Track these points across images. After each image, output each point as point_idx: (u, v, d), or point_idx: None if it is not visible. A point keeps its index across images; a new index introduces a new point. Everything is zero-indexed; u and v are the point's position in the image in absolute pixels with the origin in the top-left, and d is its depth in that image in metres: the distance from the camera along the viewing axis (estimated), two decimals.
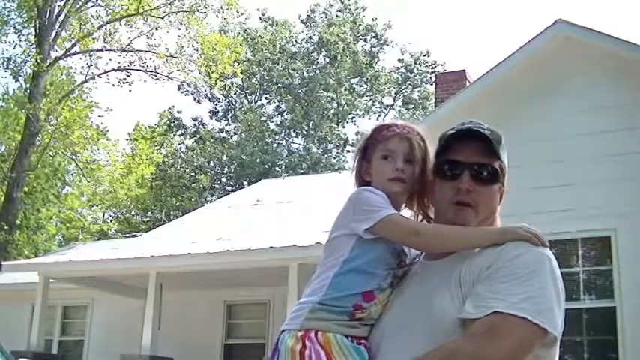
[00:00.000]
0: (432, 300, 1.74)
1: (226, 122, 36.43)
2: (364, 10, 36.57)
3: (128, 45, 23.54)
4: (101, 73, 23.42)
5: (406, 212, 2.01)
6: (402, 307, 1.82)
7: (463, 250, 1.80)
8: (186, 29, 23.74)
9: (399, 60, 36.34)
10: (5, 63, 23.61)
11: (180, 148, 35.17)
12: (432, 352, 1.65)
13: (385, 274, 1.87)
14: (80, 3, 23.08)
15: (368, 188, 1.95)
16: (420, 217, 2.00)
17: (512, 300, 1.62)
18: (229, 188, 32.68)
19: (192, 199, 32.35)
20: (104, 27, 23.48)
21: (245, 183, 31.49)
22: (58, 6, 22.84)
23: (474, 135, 1.87)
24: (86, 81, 23.73)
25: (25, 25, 23.52)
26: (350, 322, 1.82)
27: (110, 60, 28.72)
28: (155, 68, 23.51)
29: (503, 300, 1.63)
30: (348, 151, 34.13)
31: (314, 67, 35.95)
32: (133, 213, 34.09)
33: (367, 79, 36.37)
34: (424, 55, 35.76)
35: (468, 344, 1.63)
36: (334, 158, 34.99)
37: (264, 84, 36.13)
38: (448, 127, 1.97)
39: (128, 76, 23.53)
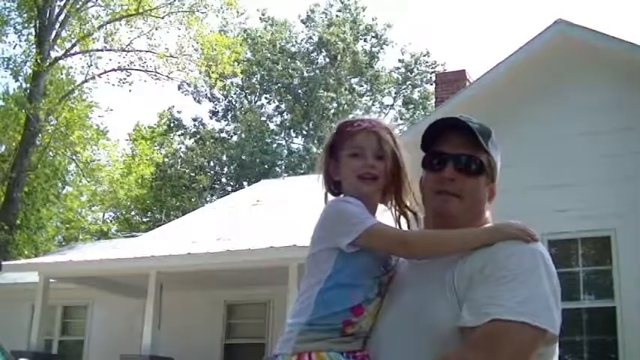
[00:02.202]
0: (428, 307, 1.72)
1: (226, 122, 36.43)
2: (364, 10, 36.57)
3: (128, 45, 23.55)
4: (101, 73, 23.43)
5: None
6: (398, 315, 1.79)
7: (453, 254, 1.77)
8: (186, 29, 23.74)
9: (399, 60, 36.37)
10: (5, 63, 23.65)
11: (180, 148, 35.15)
12: None
13: (371, 285, 1.82)
14: (80, 3, 23.08)
15: (343, 198, 1.89)
16: (397, 214, 1.95)
17: (510, 305, 1.61)
18: (229, 188, 32.67)
19: (192, 199, 32.35)
20: (104, 27, 23.47)
21: (245, 183, 31.48)
22: (58, 6, 22.85)
23: (459, 126, 1.86)
24: (86, 81, 23.74)
25: (25, 25, 23.52)
26: (341, 338, 1.78)
27: (110, 60, 28.76)
28: (155, 68, 23.52)
29: (500, 305, 1.61)
30: None
31: (314, 67, 35.94)
32: (133, 213, 34.08)
33: (367, 79, 36.36)
34: (424, 55, 35.76)
35: (471, 354, 1.61)
36: None
37: (264, 84, 36.12)
38: None
39: (128, 76, 23.54)
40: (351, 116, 2.11)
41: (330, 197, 1.99)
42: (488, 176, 1.88)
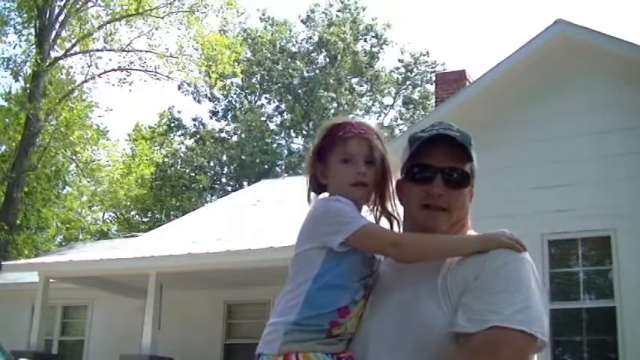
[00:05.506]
0: (418, 310, 1.73)
1: (226, 122, 36.44)
2: (364, 10, 36.58)
3: (128, 45, 23.54)
4: (101, 73, 23.42)
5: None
6: (386, 317, 1.78)
7: (444, 259, 1.78)
8: (186, 29, 23.74)
9: (399, 60, 36.37)
10: (5, 63, 23.61)
11: (180, 148, 35.17)
12: None
13: (358, 286, 1.81)
14: (80, 3, 23.07)
15: (335, 197, 1.88)
16: (378, 215, 1.95)
17: (507, 312, 1.64)
18: (229, 188, 32.68)
19: (192, 199, 32.35)
20: (104, 27, 23.47)
21: (245, 183, 31.49)
22: (58, 6, 22.84)
23: (446, 138, 1.84)
24: (86, 81, 23.72)
25: (25, 25, 23.50)
26: (328, 339, 1.77)
27: (110, 60, 28.70)
28: (155, 68, 23.51)
29: (498, 313, 1.64)
30: None
31: (314, 67, 35.94)
32: (133, 213, 34.07)
33: (367, 79, 36.35)
34: (424, 55, 35.77)
35: None
36: None
37: (264, 84, 36.12)
38: None
39: (128, 76, 23.53)
40: (337, 117, 2.09)
41: (314, 196, 1.99)
42: (471, 184, 1.89)
